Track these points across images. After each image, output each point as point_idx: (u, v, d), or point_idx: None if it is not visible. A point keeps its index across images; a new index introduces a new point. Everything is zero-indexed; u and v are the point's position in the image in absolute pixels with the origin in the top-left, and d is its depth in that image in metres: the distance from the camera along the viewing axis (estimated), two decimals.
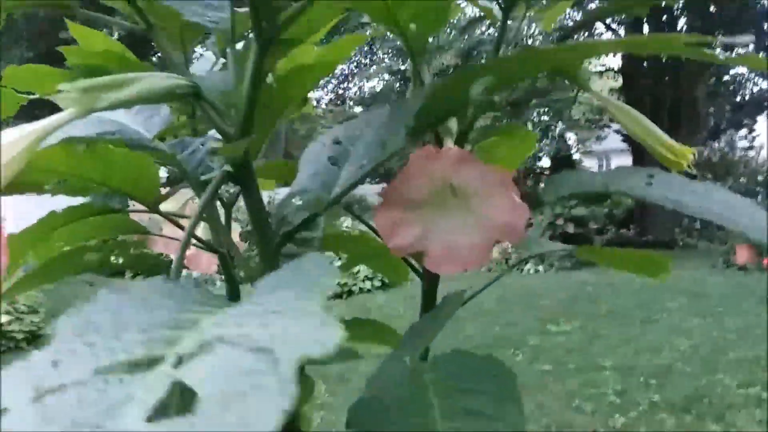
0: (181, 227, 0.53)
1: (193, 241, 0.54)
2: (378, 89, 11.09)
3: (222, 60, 0.55)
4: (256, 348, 0.18)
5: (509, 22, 0.52)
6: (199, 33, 0.51)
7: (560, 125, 11.46)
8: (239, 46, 0.44)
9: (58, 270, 0.55)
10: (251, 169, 0.39)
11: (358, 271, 6.28)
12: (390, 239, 0.39)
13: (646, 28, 8.41)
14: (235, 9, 0.43)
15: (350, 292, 6.12)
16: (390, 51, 9.36)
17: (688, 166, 0.54)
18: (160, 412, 0.15)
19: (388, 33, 0.49)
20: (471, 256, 0.39)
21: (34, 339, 4.35)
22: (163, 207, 0.52)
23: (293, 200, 0.43)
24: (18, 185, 0.49)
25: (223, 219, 0.54)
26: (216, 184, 0.38)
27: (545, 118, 10.87)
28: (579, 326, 4.52)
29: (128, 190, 0.50)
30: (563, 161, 10.77)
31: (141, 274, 0.67)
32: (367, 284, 6.25)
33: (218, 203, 0.55)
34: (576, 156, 14.44)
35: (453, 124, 0.48)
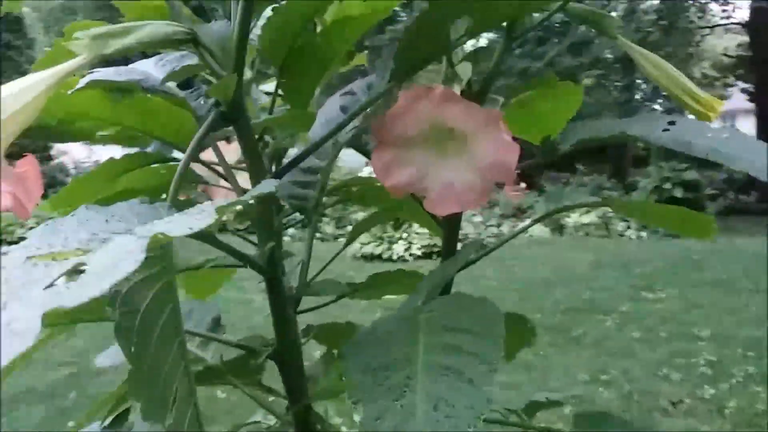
0: (223, 176, 0.57)
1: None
2: (483, 46, 10.80)
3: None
4: (144, 236, 0.23)
5: None
6: None
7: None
8: None
9: None
10: (243, 108, 0.42)
11: None
12: (386, 179, 0.40)
13: None
14: None
15: (440, 253, 6.12)
16: None
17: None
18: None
19: None
20: (469, 197, 0.40)
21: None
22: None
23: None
24: (68, 133, 0.55)
25: None
26: (210, 123, 0.41)
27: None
28: (676, 294, 4.32)
29: (170, 138, 0.54)
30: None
31: None
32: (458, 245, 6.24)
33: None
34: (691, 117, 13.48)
35: (465, 69, 0.48)
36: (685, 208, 0.55)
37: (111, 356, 0.57)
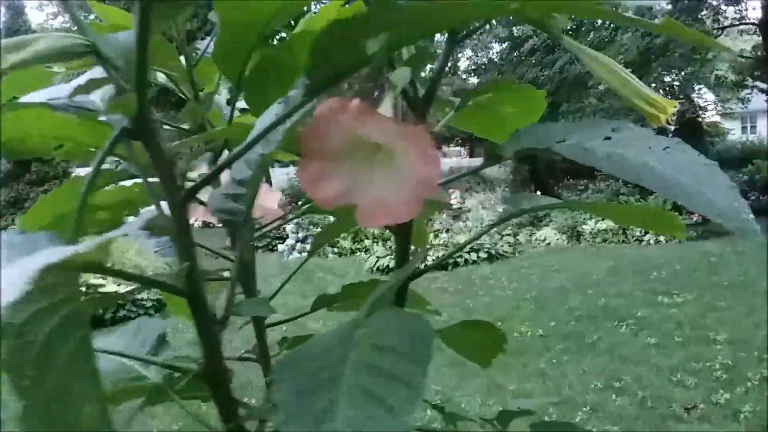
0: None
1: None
2: (492, 58, 10.84)
3: None
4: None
5: None
6: None
7: (694, 85, 10.57)
8: None
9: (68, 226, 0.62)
10: (149, 123, 0.40)
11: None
12: (313, 192, 0.40)
13: None
14: None
15: (455, 264, 6.15)
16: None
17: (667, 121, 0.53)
18: None
19: None
20: (399, 210, 0.39)
21: (162, 307, 4.78)
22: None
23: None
24: (24, 149, 0.57)
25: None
26: (113, 140, 0.40)
27: (670, 78, 10.09)
28: (694, 298, 4.26)
29: (124, 155, 0.52)
30: (688, 125, 9.99)
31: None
32: (473, 255, 6.25)
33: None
34: (715, 118, 13.31)
35: (401, 75, 0.49)
36: (654, 206, 0.55)
37: None
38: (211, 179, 0.46)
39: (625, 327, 3.80)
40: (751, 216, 0.33)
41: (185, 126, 0.66)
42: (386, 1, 0.39)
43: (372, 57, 0.39)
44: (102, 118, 0.43)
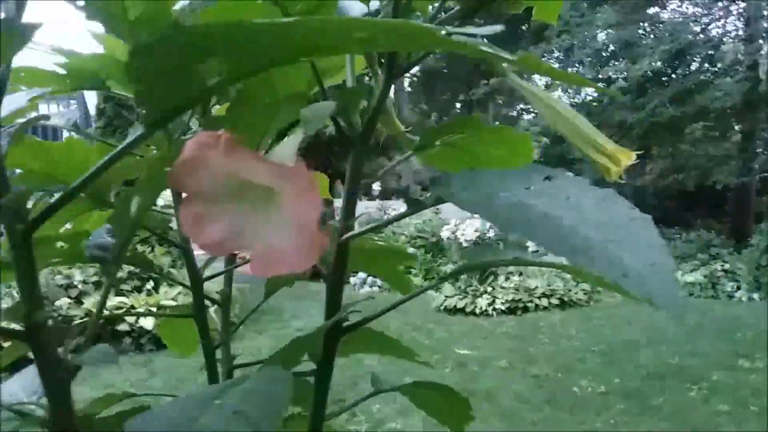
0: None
1: None
2: (584, 98, 10.60)
3: None
4: None
5: None
6: None
7: None
8: None
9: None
10: None
11: (536, 288, 6.11)
12: (196, 236, 0.36)
13: None
14: None
15: (525, 308, 5.97)
16: (589, 56, 8.85)
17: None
18: None
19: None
20: (293, 258, 0.35)
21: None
22: None
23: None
24: None
25: None
26: None
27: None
28: None
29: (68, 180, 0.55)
30: None
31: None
32: (544, 301, 6.05)
33: None
34: None
35: (316, 111, 0.44)
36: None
37: None
38: (52, 212, 0.43)
39: (696, 390, 3.54)
40: (672, 279, 0.29)
41: None
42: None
43: (217, 86, 0.35)
44: None
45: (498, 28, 0.35)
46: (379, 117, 0.53)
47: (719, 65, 8.05)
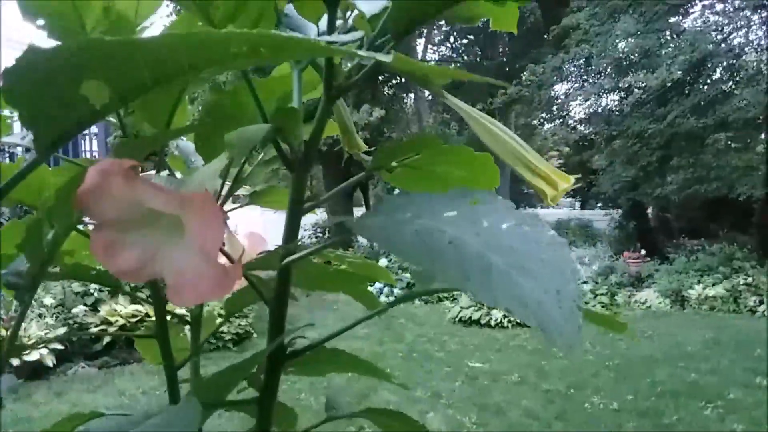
0: None
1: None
2: (606, 107, 10.47)
3: None
4: None
5: None
6: None
7: None
8: None
9: None
10: None
11: None
12: (108, 263, 0.36)
13: None
14: None
15: None
16: (608, 65, 8.74)
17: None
18: None
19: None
20: (206, 286, 0.34)
21: (240, 341, 4.96)
22: None
23: None
24: None
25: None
26: None
27: None
28: None
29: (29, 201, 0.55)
30: None
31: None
32: None
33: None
34: None
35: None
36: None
37: None
38: None
39: (712, 409, 3.45)
40: (574, 308, 0.27)
41: None
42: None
43: (107, 108, 0.33)
44: None
45: (358, 34, 0.43)
46: (320, 138, 0.52)
47: (741, 75, 7.89)
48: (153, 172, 0.65)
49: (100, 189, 0.34)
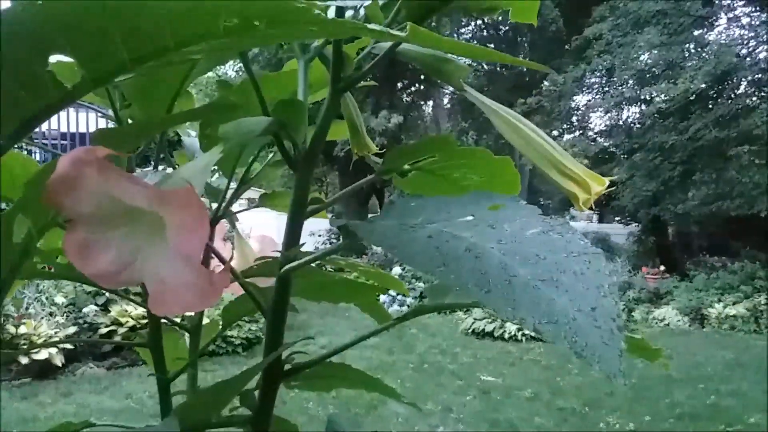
0: None
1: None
2: (627, 120, 10.36)
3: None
4: None
5: None
6: None
7: None
8: None
9: None
10: None
11: None
12: (83, 266, 0.32)
13: None
14: None
15: None
16: (630, 77, 8.63)
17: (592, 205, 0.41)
18: None
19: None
20: (187, 297, 0.30)
21: (250, 346, 4.92)
22: None
23: None
24: None
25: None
26: None
27: None
28: None
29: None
30: None
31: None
32: None
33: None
34: None
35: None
36: None
37: None
38: None
39: None
40: (615, 328, 0.25)
41: None
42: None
43: (78, 89, 0.29)
44: None
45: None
46: (325, 135, 0.48)
47: (766, 90, 7.76)
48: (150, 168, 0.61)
49: (72, 180, 0.30)
